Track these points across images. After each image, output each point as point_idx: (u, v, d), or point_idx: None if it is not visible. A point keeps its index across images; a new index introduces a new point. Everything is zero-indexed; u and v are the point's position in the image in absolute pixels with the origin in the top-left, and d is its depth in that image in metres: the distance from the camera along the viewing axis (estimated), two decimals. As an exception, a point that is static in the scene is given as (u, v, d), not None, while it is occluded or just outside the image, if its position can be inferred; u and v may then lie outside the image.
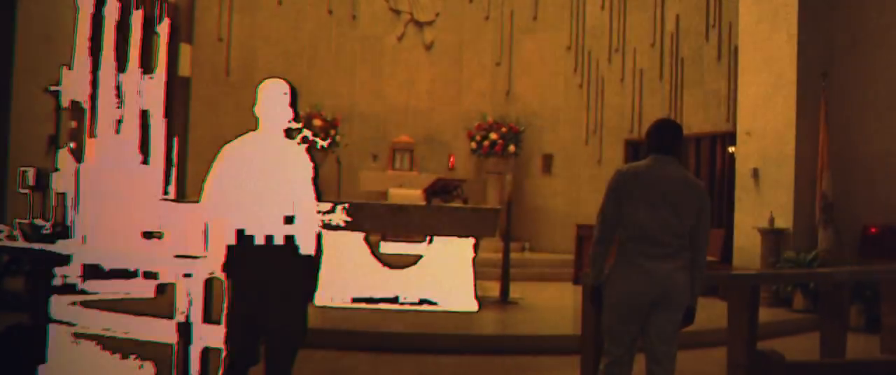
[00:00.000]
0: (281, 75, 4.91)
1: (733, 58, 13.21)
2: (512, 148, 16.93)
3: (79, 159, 13.10)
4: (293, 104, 4.73)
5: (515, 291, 11.35)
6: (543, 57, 17.40)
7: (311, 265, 4.62)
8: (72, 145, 13.21)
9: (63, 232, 11.50)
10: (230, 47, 16.27)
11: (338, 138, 16.50)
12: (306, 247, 4.58)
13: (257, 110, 4.70)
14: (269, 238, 4.54)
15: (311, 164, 4.66)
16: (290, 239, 4.56)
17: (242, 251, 4.58)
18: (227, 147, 4.73)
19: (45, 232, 10.86)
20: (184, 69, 15.38)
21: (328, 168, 16.40)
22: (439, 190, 11.92)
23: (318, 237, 4.66)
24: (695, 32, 14.42)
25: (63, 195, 12.45)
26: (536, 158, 17.37)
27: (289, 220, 4.56)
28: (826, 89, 11.48)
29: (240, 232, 4.60)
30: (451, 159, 17.35)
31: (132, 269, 10.21)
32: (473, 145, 17.22)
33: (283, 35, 17.04)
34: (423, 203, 12.12)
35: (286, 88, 4.72)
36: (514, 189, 15.54)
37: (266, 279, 4.53)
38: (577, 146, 16.74)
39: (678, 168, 5.11)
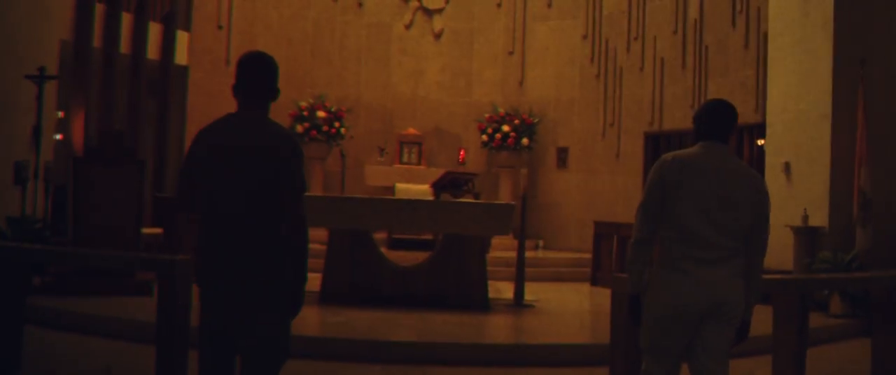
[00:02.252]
0: (260, 51, 4.17)
1: (762, 45, 12.42)
2: (525, 141, 16.24)
3: (69, 151, 12.48)
4: (274, 81, 4.00)
5: (530, 292, 10.61)
6: (558, 45, 16.67)
7: (296, 269, 3.87)
8: (59, 137, 12.58)
9: (57, 228, 10.87)
10: (230, 35, 15.61)
11: (342, 130, 15.89)
12: (291, 247, 3.85)
13: (235, 89, 3.97)
14: (245, 237, 3.79)
15: (298, 150, 3.90)
16: (269, 238, 3.82)
17: (213, 253, 3.83)
18: (199, 133, 4.01)
19: (37, 227, 10.19)
20: (180, 57, 14.73)
21: (332, 161, 15.83)
22: (449, 184, 11.22)
23: (305, 235, 3.90)
24: (720, 18, 13.63)
25: (57, 189, 11.83)
26: (550, 152, 16.66)
27: (269, 215, 3.82)
28: (864, 77, 10.69)
29: (209, 232, 3.85)
30: (462, 153, 16.68)
31: (121, 269, 9.52)
32: (484, 138, 16.56)
33: (286, 22, 16.36)
34: (431, 198, 11.43)
35: (267, 63, 3.98)
36: (528, 183, 14.86)
37: (240, 287, 3.78)
38: (594, 139, 16.01)
39: (733, 157, 4.42)
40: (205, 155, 3.89)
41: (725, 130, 4.42)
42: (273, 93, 3.99)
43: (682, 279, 4.20)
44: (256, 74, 3.96)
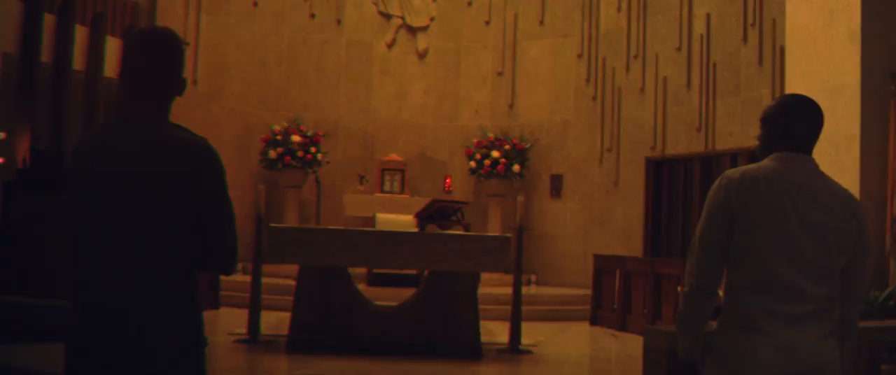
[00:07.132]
0: (164, 27, 2.94)
1: (778, 60, 11.38)
2: (516, 167, 15.17)
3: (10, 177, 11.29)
4: (177, 69, 2.78)
5: (526, 334, 9.42)
6: (551, 66, 15.65)
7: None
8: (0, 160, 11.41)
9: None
10: (198, 53, 14.55)
11: (319, 156, 14.82)
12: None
13: (121, 82, 2.77)
14: (139, 301, 2.61)
15: (219, 162, 2.72)
16: (175, 296, 2.64)
17: (84, 322, 2.65)
18: (73, 151, 2.81)
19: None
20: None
21: (308, 189, 14.71)
22: (436, 214, 10.05)
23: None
24: (730, 33, 12.60)
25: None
26: (543, 179, 15.58)
27: (176, 263, 2.64)
28: (895, 94, 9.65)
29: (82, 293, 2.67)
30: (448, 180, 15.57)
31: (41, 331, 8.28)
32: (472, 165, 15.52)
33: (259, 40, 15.29)
34: (416, 230, 10.27)
35: (164, 42, 2.78)
36: (524, 213, 13.79)
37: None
38: (591, 165, 14.93)
39: (822, 174, 3.24)
40: (79, 183, 2.71)
41: (810, 137, 3.26)
42: (176, 85, 2.78)
43: (759, 342, 3.04)
44: (148, 59, 2.73)
